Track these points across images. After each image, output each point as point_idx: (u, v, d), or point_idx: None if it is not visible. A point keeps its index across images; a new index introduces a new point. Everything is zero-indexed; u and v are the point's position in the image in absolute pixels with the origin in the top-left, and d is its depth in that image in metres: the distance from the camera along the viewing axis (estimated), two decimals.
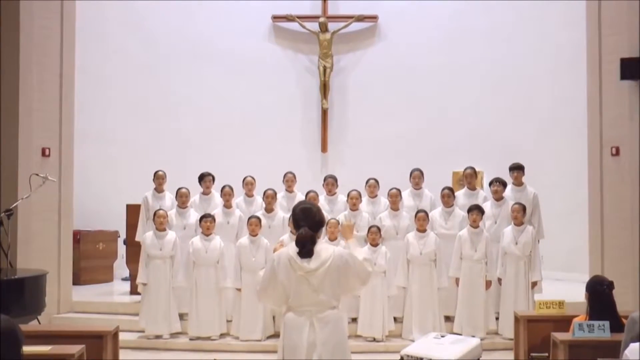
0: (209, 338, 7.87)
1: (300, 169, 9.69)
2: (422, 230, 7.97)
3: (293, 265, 3.91)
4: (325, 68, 11.81)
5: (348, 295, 4.05)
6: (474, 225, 7.94)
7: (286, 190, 8.89)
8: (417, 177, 8.72)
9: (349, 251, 4.07)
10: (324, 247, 4.00)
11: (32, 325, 6.45)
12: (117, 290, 10.05)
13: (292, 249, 3.97)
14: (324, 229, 4.18)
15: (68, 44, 9.01)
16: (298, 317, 3.92)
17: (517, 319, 6.48)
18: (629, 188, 8.49)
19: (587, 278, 5.67)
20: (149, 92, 11.68)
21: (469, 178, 8.70)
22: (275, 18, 12.05)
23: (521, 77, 11.63)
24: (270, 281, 3.99)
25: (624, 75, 8.46)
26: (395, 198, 8.36)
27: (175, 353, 7.69)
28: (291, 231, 7.74)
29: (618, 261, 8.38)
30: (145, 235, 8.12)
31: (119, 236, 10.74)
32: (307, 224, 3.97)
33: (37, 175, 7.92)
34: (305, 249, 3.90)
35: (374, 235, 7.87)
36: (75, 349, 4.90)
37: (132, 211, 9.27)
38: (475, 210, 7.94)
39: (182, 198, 8.45)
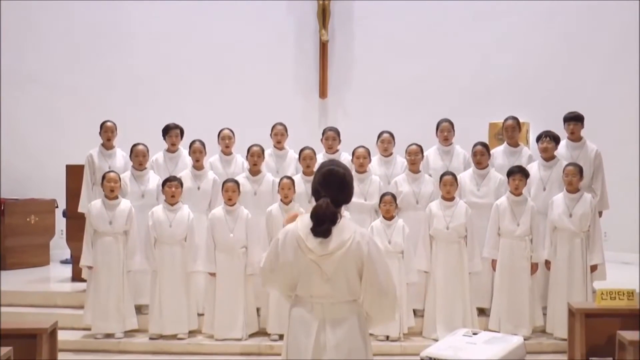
0: (174, 337, 7.86)
1: (292, 119, 9.65)
2: (449, 198, 7.91)
3: (302, 246, 3.88)
4: None
5: (373, 311, 3.96)
6: (516, 192, 7.88)
7: (275, 146, 8.85)
8: (446, 130, 8.69)
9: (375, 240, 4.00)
10: (345, 225, 3.92)
11: None
12: (55, 276, 10.05)
13: (302, 224, 3.91)
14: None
15: None
16: (307, 313, 3.92)
17: (571, 313, 6.49)
18: None
19: None
20: (95, 20, 11.53)
21: (510, 131, 8.65)
22: None
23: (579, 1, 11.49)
24: (275, 262, 3.97)
25: None
26: (415, 157, 8.30)
27: (131, 356, 7.66)
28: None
29: None
30: (92, 204, 8.06)
31: (57, 206, 10.73)
32: (331, 194, 3.89)
33: None
34: (322, 227, 3.84)
35: (389, 206, 7.80)
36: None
37: (74, 174, 9.22)
38: (518, 174, 7.88)
39: (138, 157, 8.40)
